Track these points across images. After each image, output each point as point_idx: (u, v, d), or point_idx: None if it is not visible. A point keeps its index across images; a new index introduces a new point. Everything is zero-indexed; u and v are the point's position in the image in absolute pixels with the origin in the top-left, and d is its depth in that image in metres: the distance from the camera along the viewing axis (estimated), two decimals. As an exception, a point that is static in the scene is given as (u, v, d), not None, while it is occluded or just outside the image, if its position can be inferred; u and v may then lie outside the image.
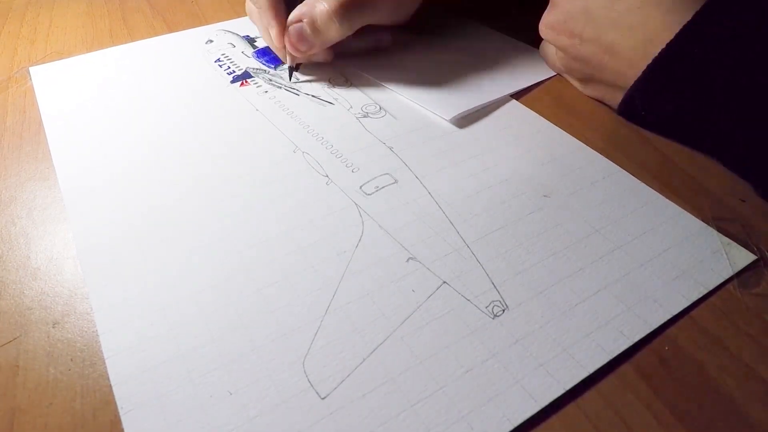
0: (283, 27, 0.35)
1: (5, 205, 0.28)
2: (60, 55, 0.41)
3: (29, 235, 0.26)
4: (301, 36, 0.34)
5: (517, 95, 0.35)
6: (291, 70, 0.37)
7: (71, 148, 0.31)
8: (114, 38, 0.43)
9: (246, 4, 0.40)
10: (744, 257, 0.24)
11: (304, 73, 0.38)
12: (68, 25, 0.46)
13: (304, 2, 0.34)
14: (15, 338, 0.22)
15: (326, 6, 0.33)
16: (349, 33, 0.35)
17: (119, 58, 0.40)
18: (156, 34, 0.43)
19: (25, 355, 0.21)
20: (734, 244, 0.25)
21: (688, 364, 0.21)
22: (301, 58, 0.36)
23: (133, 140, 0.32)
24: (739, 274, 0.24)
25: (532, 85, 0.36)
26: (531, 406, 0.19)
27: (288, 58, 0.37)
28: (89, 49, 0.41)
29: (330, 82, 0.37)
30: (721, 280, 0.23)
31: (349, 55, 0.38)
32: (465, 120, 0.33)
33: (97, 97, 0.36)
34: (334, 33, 0.34)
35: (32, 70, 0.39)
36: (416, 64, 0.38)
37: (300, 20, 0.34)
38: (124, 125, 0.33)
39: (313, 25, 0.34)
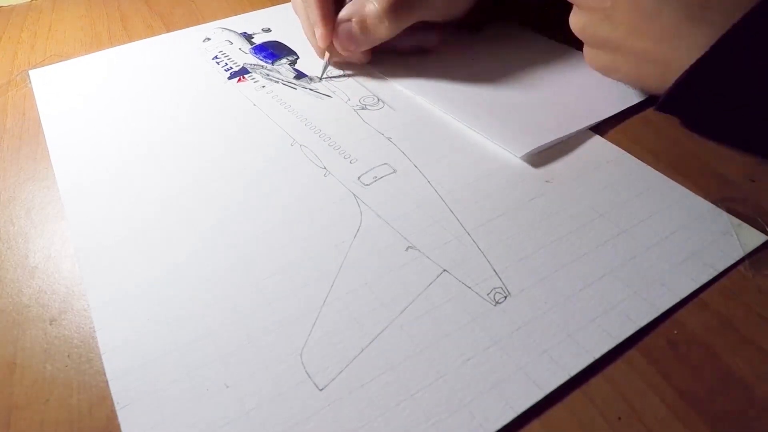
0: (331, 26, 0.34)
1: (4, 204, 0.28)
2: (59, 57, 0.41)
3: (27, 234, 0.26)
4: (350, 35, 0.33)
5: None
6: (325, 66, 0.36)
7: (69, 148, 0.31)
8: (112, 39, 0.43)
9: None
10: (755, 238, 0.23)
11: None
12: (67, 28, 0.46)
13: (353, 1, 0.34)
14: (12, 336, 0.22)
15: (376, 5, 0.32)
16: (398, 32, 0.34)
17: (117, 59, 0.40)
18: (154, 34, 0.43)
19: (22, 352, 0.21)
20: (745, 224, 0.24)
21: (698, 348, 0.20)
22: (341, 57, 0.35)
23: (130, 139, 0.32)
24: (750, 255, 0.23)
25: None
26: (535, 394, 0.18)
27: (325, 54, 0.36)
28: (88, 51, 0.41)
29: (328, 75, 0.37)
30: (732, 262, 0.23)
31: (389, 55, 0.36)
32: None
33: (95, 98, 0.36)
34: (384, 32, 0.33)
35: (32, 73, 0.39)
36: (473, 82, 0.34)
37: (349, 19, 0.33)
38: (121, 125, 0.33)
39: (362, 24, 0.33)
